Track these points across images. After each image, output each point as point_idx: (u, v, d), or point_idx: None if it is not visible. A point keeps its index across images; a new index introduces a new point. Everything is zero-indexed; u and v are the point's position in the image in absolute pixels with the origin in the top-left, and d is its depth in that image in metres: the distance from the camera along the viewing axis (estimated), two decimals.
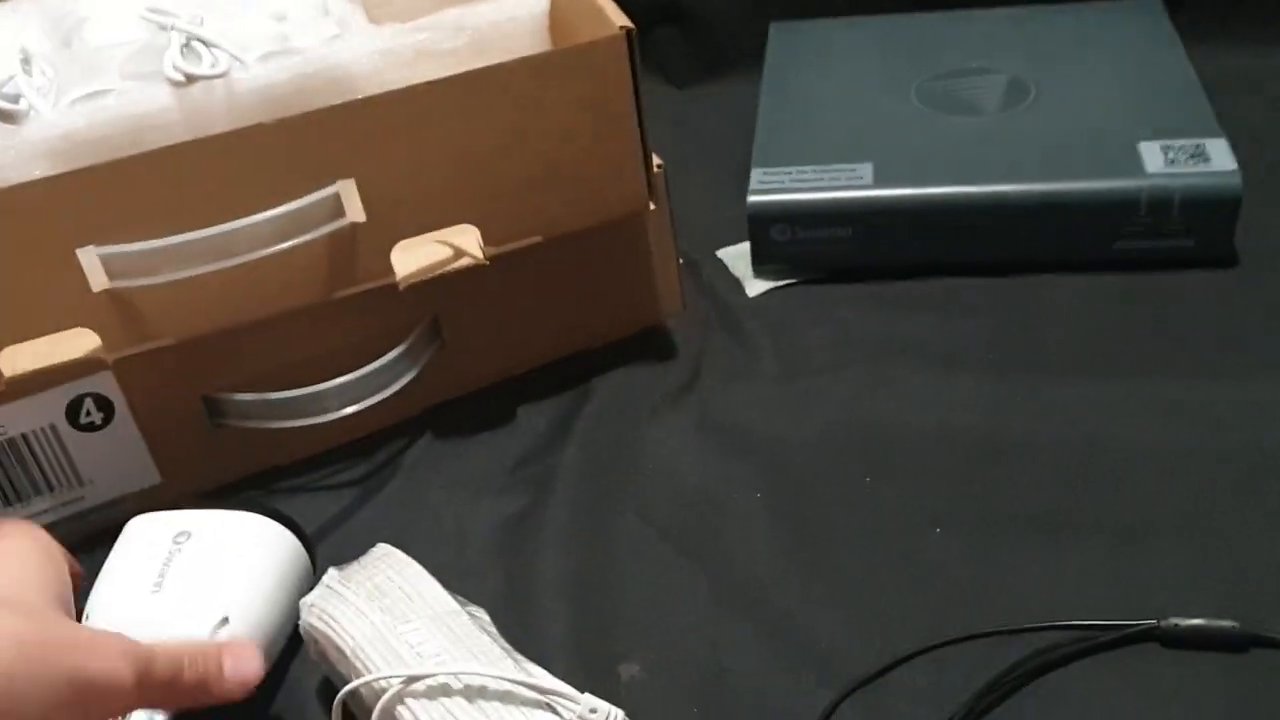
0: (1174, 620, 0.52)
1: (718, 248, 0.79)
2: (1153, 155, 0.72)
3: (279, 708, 0.54)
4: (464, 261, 0.61)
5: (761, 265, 0.76)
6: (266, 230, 0.57)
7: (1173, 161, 0.71)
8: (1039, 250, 0.73)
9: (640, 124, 0.62)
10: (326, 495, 0.65)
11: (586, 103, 0.61)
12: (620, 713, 0.44)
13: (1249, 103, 0.84)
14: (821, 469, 0.62)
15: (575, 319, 0.70)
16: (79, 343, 0.57)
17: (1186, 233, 0.71)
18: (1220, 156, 0.71)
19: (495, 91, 0.59)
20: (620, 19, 0.60)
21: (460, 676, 0.44)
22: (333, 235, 0.59)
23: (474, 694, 0.44)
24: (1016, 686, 0.51)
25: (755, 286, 0.76)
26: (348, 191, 0.59)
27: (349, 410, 0.64)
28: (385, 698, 0.44)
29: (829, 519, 0.60)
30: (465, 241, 0.61)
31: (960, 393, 0.66)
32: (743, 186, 0.76)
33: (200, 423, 0.64)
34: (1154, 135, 0.74)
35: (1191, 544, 0.56)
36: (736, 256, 0.78)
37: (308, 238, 0.58)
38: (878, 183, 0.73)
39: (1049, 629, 0.53)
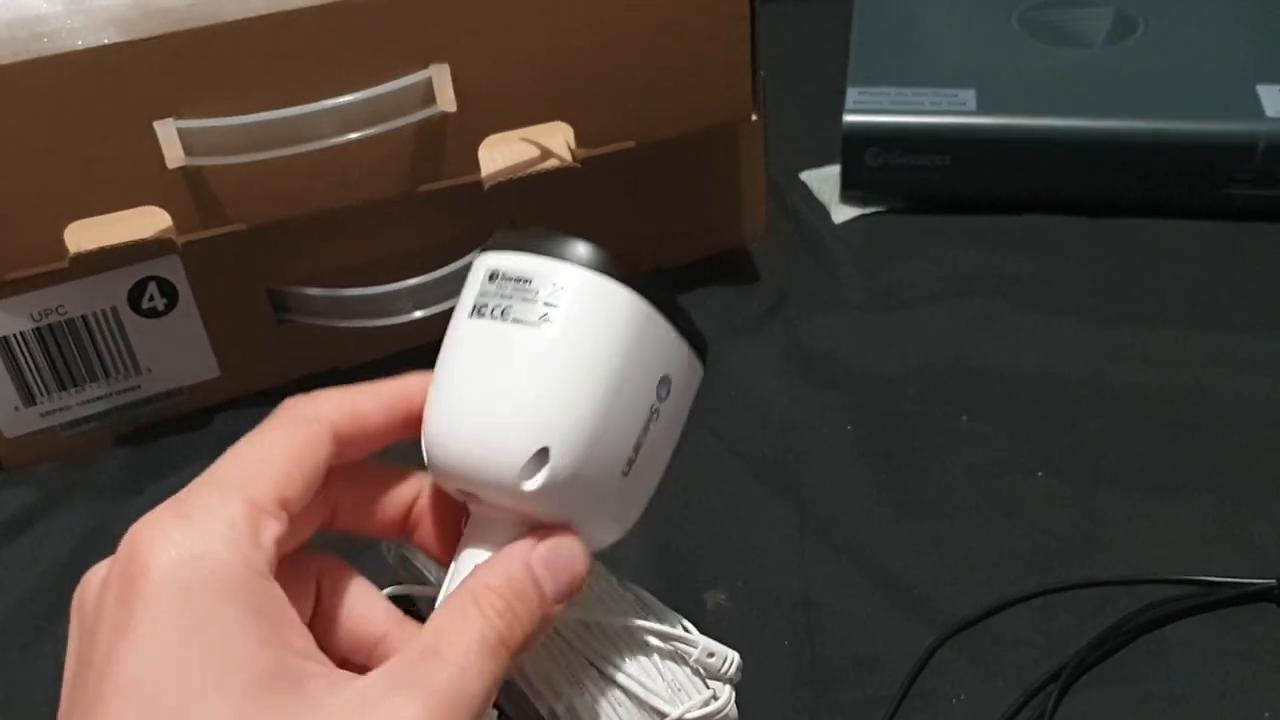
0: None
1: (801, 170, 0.76)
2: (1272, 98, 0.68)
3: None
4: (551, 162, 0.58)
5: (850, 190, 0.73)
6: (353, 113, 0.54)
7: None
8: (1144, 192, 0.69)
9: (752, 28, 0.58)
10: None
11: (696, 2, 0.57)
12: (735, 655, 0.41)
13: None
14: (915, 405, 0.59)
15: (658, 234, 0.67)
16: (149, 222, 0.54)
17: None
18: None
19: None
20: None
21: (591, 619, 0.41)
22: (421, 124, 0.56)
23: (589, 629, 0.41)
24: (1127, 640, 0.48)
25: (842, 213, 0.73)
26: (440, 78, 0.55)
27: (420, 314, 0.61)
28: None
29: (924, 457, 0.57)
30: (555, 141, 0.58)
31: (1062, 336, 0.62)
32: (829, 107, 0.72)
33: (264, 317, 0.61)
34: (1274, 78, 0.70)
35: None
36: (822, 180, 0.75)
37: (395, 124, 0.55)
38: (981, 110, 0.70)
39: (1161, 582, 0.50)
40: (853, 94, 0.72)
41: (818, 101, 0.75)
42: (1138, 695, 0.46)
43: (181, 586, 0.29)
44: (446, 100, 0.55)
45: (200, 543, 0.30)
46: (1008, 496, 0.54)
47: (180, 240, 0.55)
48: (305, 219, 0.57)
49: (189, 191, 0.54)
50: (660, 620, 0.41)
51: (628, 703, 0.40)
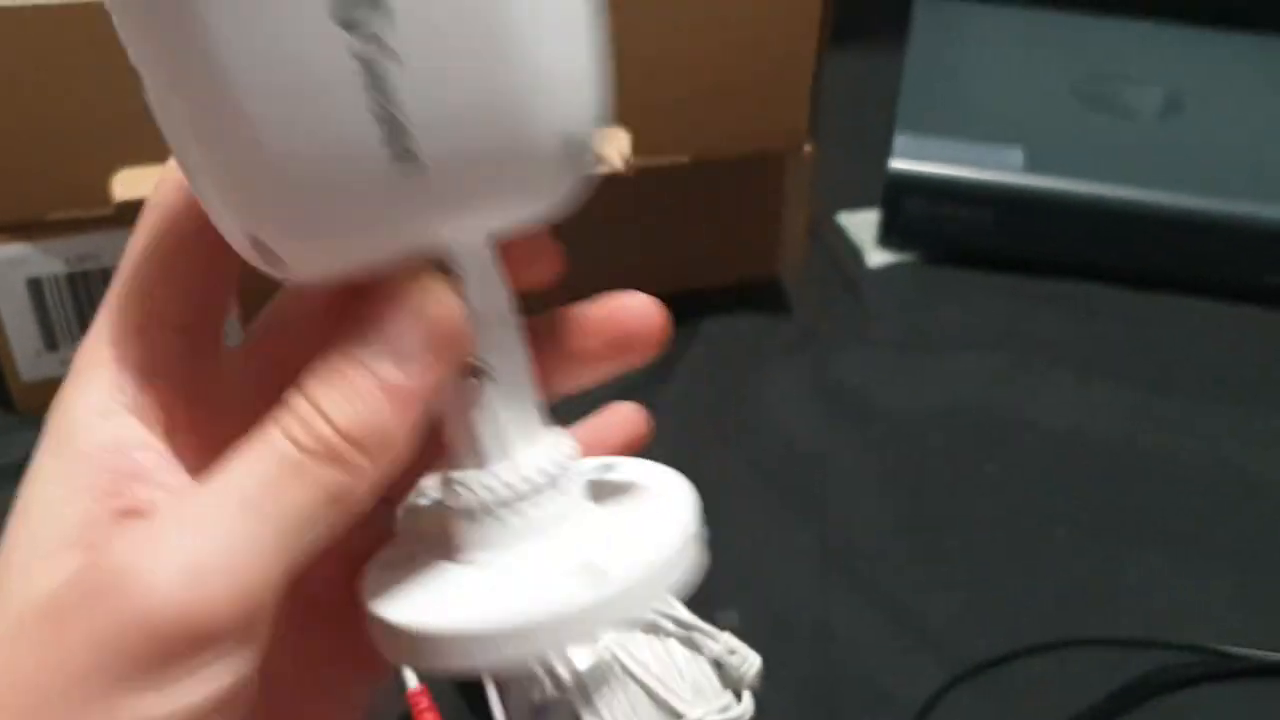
0: None
1: (840, 211, 0.76)
2: None
3: None
4: (602, 168, 0.58)
5: (887, 236, 0.73)
6: None
7: None
8: (1182, 269, 0.70)
9: (819, 61, 0.59)
10: None
11: (771, 19, 0.57)
12: (757, 658, 0.40)
13: None
14: (943, 449, 0.59)
15: (695, 254, 0.67)
16: None
17: None
18: None
19: None
20: None
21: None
22: None
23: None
24: (1140, 700, 0.48)
25: (877, 257, 0.73)
26: None
27: None
28: None
29: (949, 501, 0.56)
30: (611, 146, 0.58)
31: (1093, 397, 0.62)
32: (873, 153, 0.72)
33: None
34: None
35: None
36: (860, 224, 0.75)
37: None
38: (1029, 169, 0.70)
39: (1182, 648, 0.49)
40: (901, 140, 0.72)
41: (863, 145, 0.75)
42: None
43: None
44: None
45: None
46: (1027, 548, 0.54)
47: None
48: None
49: None
50: (681, 611, 0.40)
51: (644, 698, 0.39)
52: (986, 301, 0.69)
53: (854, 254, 0.73)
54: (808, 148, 0.62)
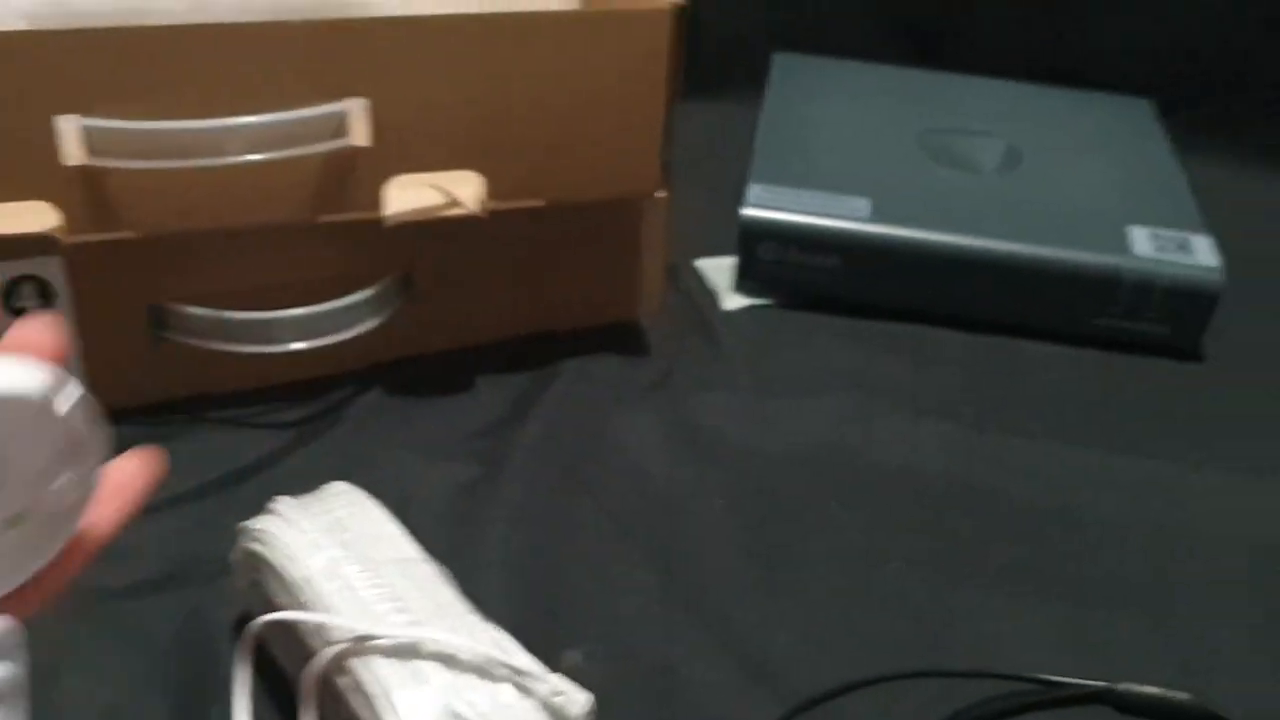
0: (1130, 686, 0.51)
1: (697, 257, 0.78)
2: (1141, 239, 0.73)
3: (186, 638, 0.50)
4: (457, 210, 0.59)
5: (742, 281, 0.75)
6: (264, 134, 0.54)
7: (1160, 248, 0.72)
8: (1019, 313, 0.73)
9: (669, 106, 0.60)
10: (261, 433, 0.61)
11: (622, 72, 0.59)
12: (585, 697, 0.41)
13: (1222, 214, 0.86)
14: (788, 488, 0.61)
15: (554, 297, 0.68)
16: (38, 217, 0.53)
17: (1163, 320, 0.72)
18: (1205, 252, 0.72)
19: (530, 39, 0.57)
20: None
21: (424, 637, 0.41)
22: (330, 155, 0.56)
23: (438, 657, 0.40)
24: None
25: (732, 301, 0.74)
26: (357, 112, 0.55)
27: (299, 345, 0.61)
28: (338, 648, 0.40)
29: (792, 538, 0.58)
30: (465, 189, 0.59)
31: (932, 439, 0.65)
32: (727, 204, 0.75)
33: (141, 332, 0.59)
34: (1142, 221, 0.75)
35: (1149, 617, 0.55)
36: (715, 269, 0.77)
37: (304, 151, 0.55)
38: (874, 218, 0.73)
39: (1003, 678, 0.51)
40: (754, 189, 0.74)
41: (720, 193, 0.77)
42: None
43: None
44: (360, 135, 0.56)
45: None
46: (868, 582, 0.56)
47: (67, 240, 0.54)
48: (201, 235, 0.57)
49: (83, 192, 0.53)
50: (513, 657, 0.41)
51: None
52: (833, 345, 0.71)
53: (710, 298, 0.75)
54: (662, 194, 0.64)
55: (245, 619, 0.49)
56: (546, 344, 0.69)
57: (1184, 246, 0.73)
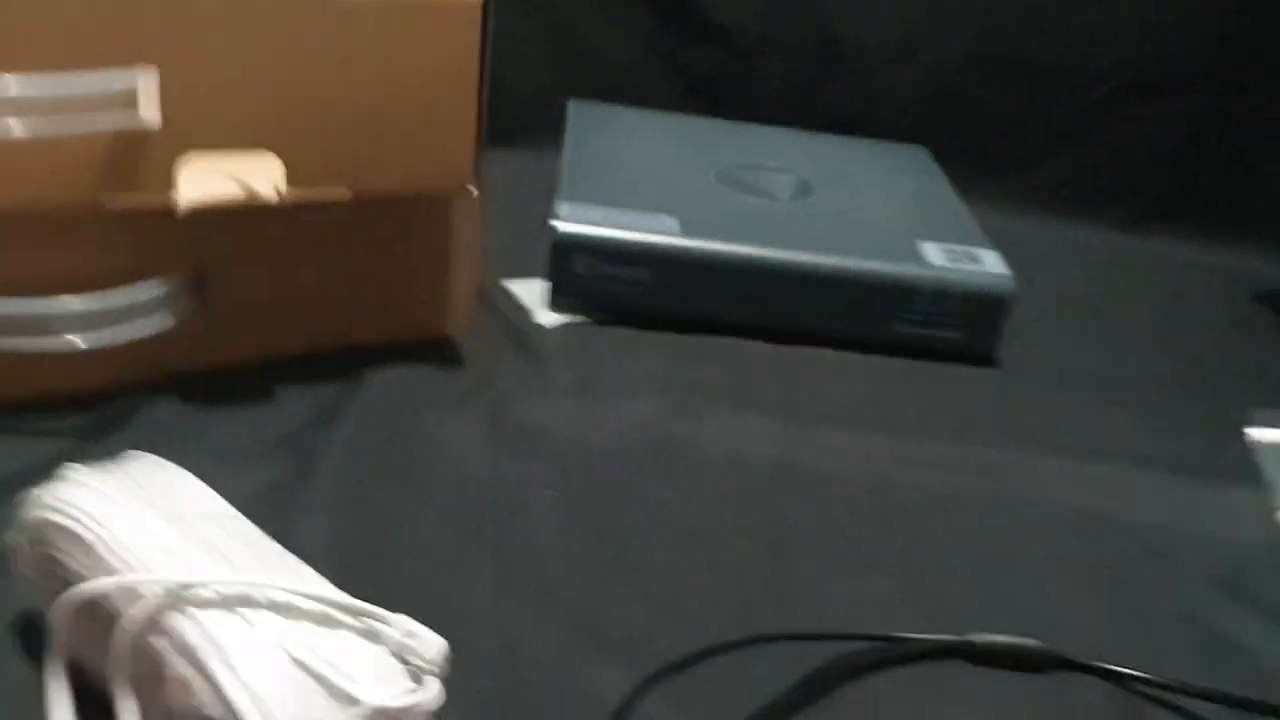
0: (982, 635, 0.51)
1: (504, 279, 0.76)
2: (932, 252, 0.76)
3: None
4: (255, 189, 0.55)
5: (555, 298, 0.73)
6: (39, 100, 0.49)
7: (952, 259, 0.76)
8: (823, 322, 0.75)
9: (479, 102, 0.59)
10: (35, 442, 0.54)
11: (428, 63, 0.57)
12: (439, 640, 0.37)
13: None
14: (618, 477, 0.59)
15: (359, 305, 0.64)
16: None
17: (958, 326, 0.75)
18: (993, 262, 0.76)
19: (336, 17, 0.55)
20: None
21: (254, 586, 0.36)
22: (118, 131, 0.52)
23: (271, 606, 0.36)
24: (826, 690, 0.48)
25: (547, 318, 0.73)
26: (147, 85, 0.51)
27: (79, 340, 0.55)
28: (154, 604, 0.35)
29: (627, 522, 0.56)
30: (262, 173, 0.55)
31: (751, 428, 0.65)
32: (530, 240, 0.74)
33: None
34: (931, 237, 0.78)
35: (981, 578, 0.56)
36: (526, 289, 0.75)
37: (84, 125, 0.50)
38: (683, 233, 0.73)
39: (858, 638, 0.50)
40: (564, 206, 0.74)
41: (522, 231, 0.77)
42: None
43: None
44: (150, 109, 0.52)
45: None
46: (707, 558, 0.54)
47: None
48: None
49: None
50: (354, 602, 0.37)
51: (318, 689, 0.34)
52: (648, 355, 0.71)
53: (523, 314, 0.73)
54: (474, 190, 0.62)
55: (31, 615, 0.42)
56: (351, 357, 0.65)
57: (973, 259, 0.77)
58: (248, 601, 0.36)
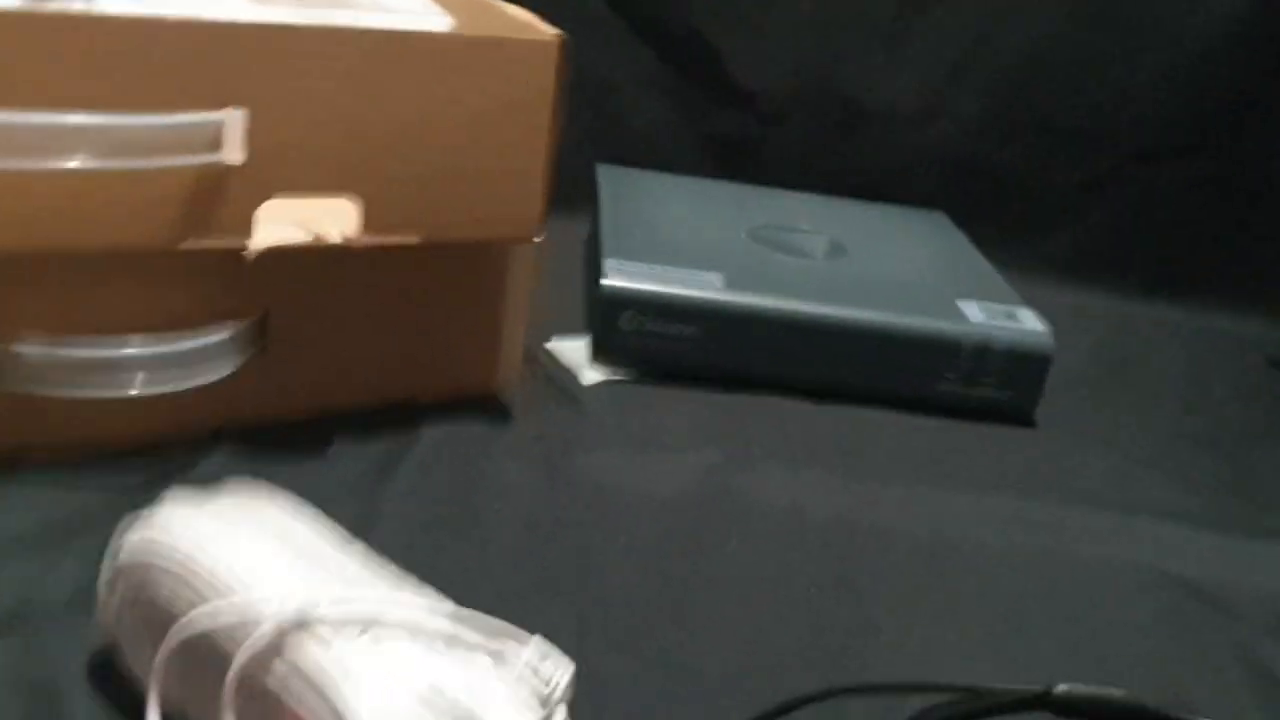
0: (1065, 686, 0.50)
1: (547, 341, 0.76)
2: (972, 310, 0.77)
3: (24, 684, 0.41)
4: (330, 233, 0.55)
5: (599, 355, 0.73)
6: (125, 135, 0.49)
7: (991, 317, 0.76)
8: (866, 380, 0.75)
9: (551, 147, 0.59)
10: (93, 495, 0.53)
11: (506, 102, 0.57)
12: (569, 665, 0.36)
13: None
14: (683, 527, 0.58)
15: (411, 356, 0.64)
16: None
17: (1000, 384, 0.75)
18: (1031, 320, 0.77)
19: (415, 57, 0.55)
20: (552, 29, 0.59)
21: (382, 605, 0.35)
22: (200, 171, 0.51)
23: (400, 626, 0.35)
24: None
25: (591, 376, 0.73)
26: (233, 125, 0.51)
27: (138, 390, 0.54)
28: (271, 631, 0.34)
29: (697, 571, 0.55)
30: (337, 217, 0.55)
31: (808, 482, 0.64)
32: (567, 300, 0.74)
33: None
34: (970, 295, 0.79)
35: (1049, 630, 0.55)
36: (570, 349, 0.75)
37: (170, 162, 0.50)
38: (728, 288, 0.74)
39: (940, 689, 0.49)
40: (610, 263, 0.74)
41: (559, 291, 0.77)
42: None
43: None
44: (234, 148, 0.52)
45: None
46: (780, 608, 0.53)
47: None
48: (36, 254, 0.50)
49: None
50: (484, 622, 0.36)
51: (449, 717, 0.33)
52: (696, 411, 0.71)
53: (567, 374, 0.73)
54: (538, 238, 0.62)
55: (107, 658, 0.41)
56: (403, 412, 0.64)
57: (1012, 316, 0.77)
58: (376, 621, 0.35)
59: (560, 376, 0.72)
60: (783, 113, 1.01)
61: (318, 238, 0.55)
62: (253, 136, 0.52)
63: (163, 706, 0.37)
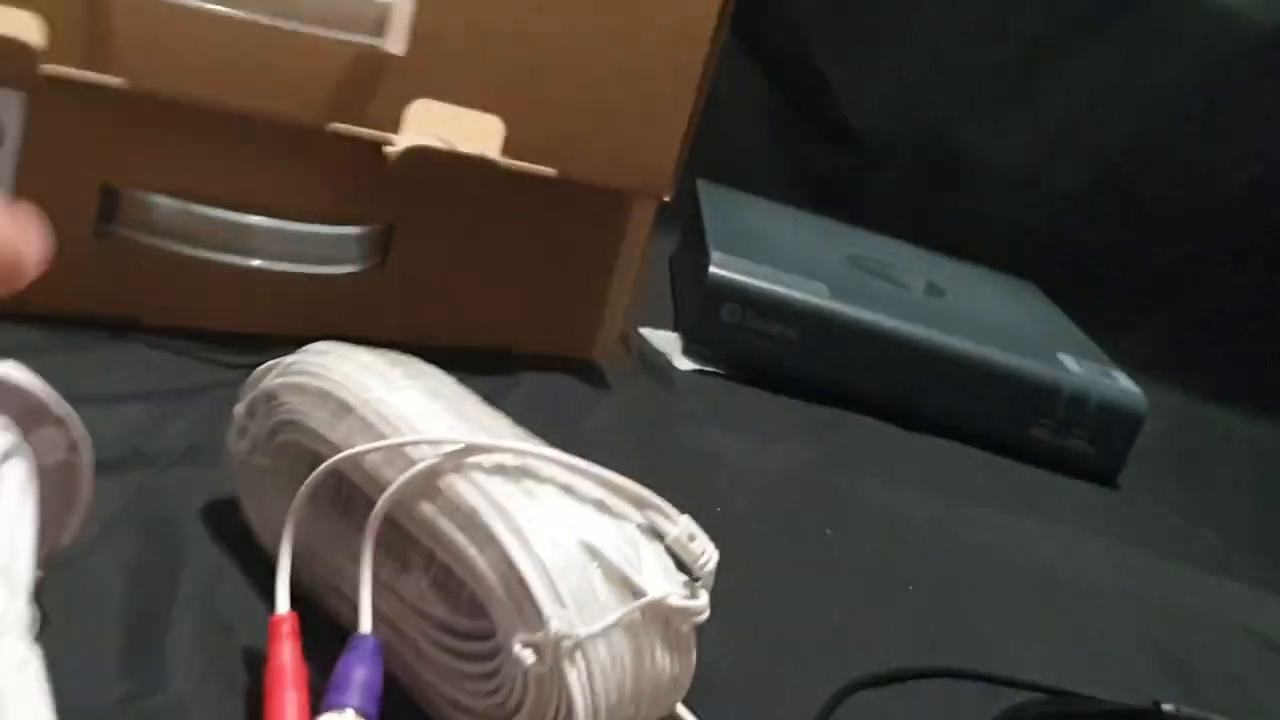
0: (1172, 706, 0.48)
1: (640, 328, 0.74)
2: (1070, 362, 0.76)
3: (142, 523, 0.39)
4: (474, 148, 0.54)
5: (694, 346, 0.72)
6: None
7: (1089, 371, 0.75)
8: (960, 413, 0.73)
9: (698, 101, 0.59)
10: (204, 365, 0.52)
11: (662, 43, 0.56)
12: (715, 551, 0.34)
13: None
14: (779, 508, 0.56)
15: (520, 305, 0.62)
16: (18, 24, 0.45)
17: (1092, 439, 0.74)
18: (1126, 381, 0.76)
19: None
20: None
21: (539, 460, 0.33)
22: (360, 53, 0.51)
23: (554, 483, 0.33)
24: None
25: (684, 363, 0.71)
26: (400, 11, 0.51)
27: (259, 263, 0.53)
28: (429, 464, 0.32)
29: (794, 552, 0.53)
30: (484, 133, 0.54)
31: (905, 494, 0.62)
32: (656, 289, 0.73)
33: (85, 218, 0.50)
34: (1070, 350, 0.78)
35: (1150, 664, 0.53)
36: (661, 338, 0.74)
37: (334, 35, 0.50)
38: (833, 297, 0.72)
39: (1051, 691, 0.47)
40: (718, 255, 0.73)
41: (648, 281, 0.76)
42: None
43: None
44: (397, 38, 0.51)
45: None
46: (882, 597, 0.51)
47: (42, 68, 0.46)
48: (187, 114, 0.49)
49: (83, 14, 0.46)
50: (639, 490, 0.34)
51: (601, 570, 0.31)
52: (787, 414, 0.69)
53: (660, 358, 0.71)
54: (667, 197, 0.61)
55: (223, 508, 0.39)
56: (503, 358, 0.63)
57: (1108, 375, 0.76)
58: (531, 475, 0.33)
59: (654, 358, 0.71)
60: (885, 157, 1.01)
61: (460, 151, 0.54)
62: (417, 31, 0.52)
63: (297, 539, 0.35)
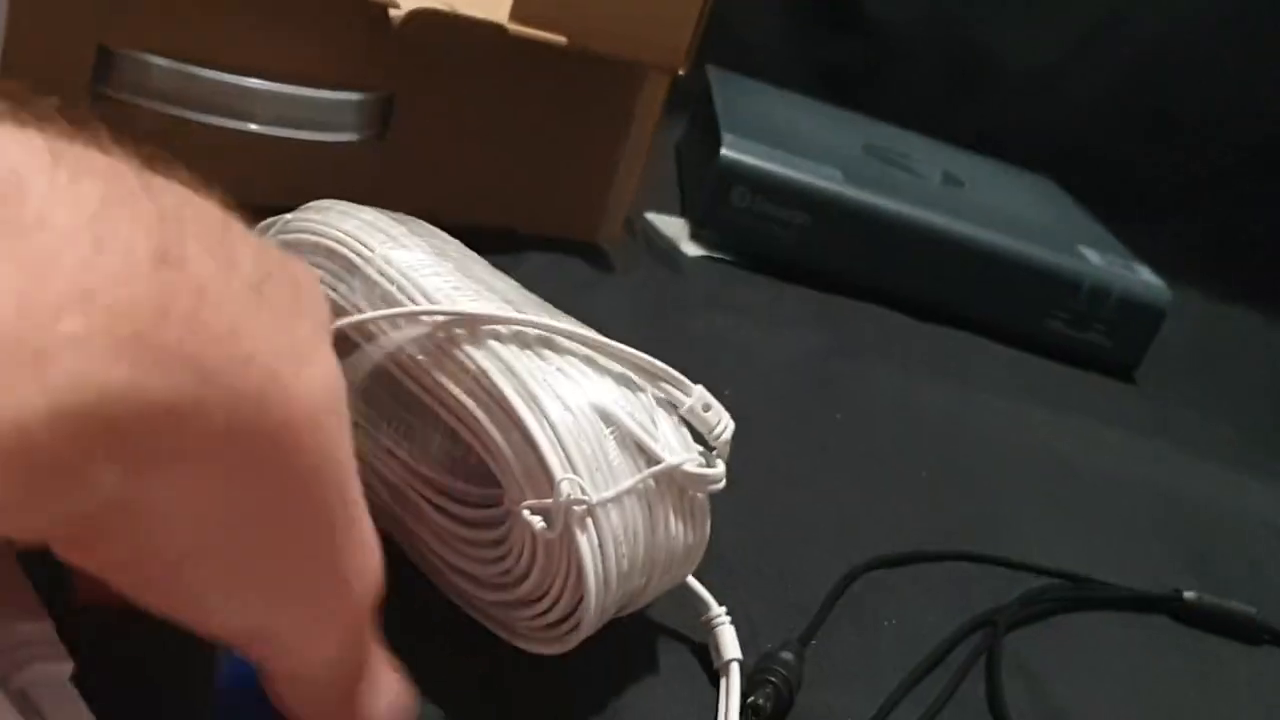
0: (1195, 594, 0.47)
1: (645, 212, 0.72)
2: (1093, 255, 0.74)
3: None
4: (482, 12, 0.51)
5: (703, 231, 0.70)
6: None
7: (1110, 264, 0.73)
8: (974, 304, 0.71)
9: None
10: None
11: None
12: (731, 421, 0.33)
13: None
14: (788, 393, 0.55)
15: (524, 182, 0.60)
16: None
17: (1110, 332, 0.72)
18: (1148, 274, 0.74)
19: None
20: None
21: (555, 332, 0.32)
22: None
23: (573, 352, 0.31)
24: (1040, 615, 0.44)
25: (692, 249, 0.69)
26: None
27: (257, 127, 0.50)
28: (442, 331, 0.31)
29: (805, 436, 0.52)
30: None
31: (917, 383, 0.61)
32: (662, 176, 0.71)
33: (79, 83, 0.48)
34: (1092, 244, 0.76)
35: (1177, 548, 0.52)
36: (668, 223, 0.72)
37: None
38: (847, 182, 0.70)
39: (1067, 576, 0.46)
40: (729, 137, 0.70)
41: (653, 176, 0.74)
42: (1061, 654, 0.42)
43: None
44: None
45: None
46: (895, 481, 0.50)
47: None
48: None
49: None
50: (654, 362, 0.33)
51: (616, 437, 0.30)
52: (798, 301, 0.67)
53: (667, 243, 0.69)
54: (681, 71, 0.58)
55: None
56: (506, 238, 0.61)
57: (1129, 269, 0.74)
58: (548, 344, 0.31)
59: (660, 244, 0.69)
60: (904, 49, 0.97)
61: (467, 15, 0.51)
62: None
63: None
